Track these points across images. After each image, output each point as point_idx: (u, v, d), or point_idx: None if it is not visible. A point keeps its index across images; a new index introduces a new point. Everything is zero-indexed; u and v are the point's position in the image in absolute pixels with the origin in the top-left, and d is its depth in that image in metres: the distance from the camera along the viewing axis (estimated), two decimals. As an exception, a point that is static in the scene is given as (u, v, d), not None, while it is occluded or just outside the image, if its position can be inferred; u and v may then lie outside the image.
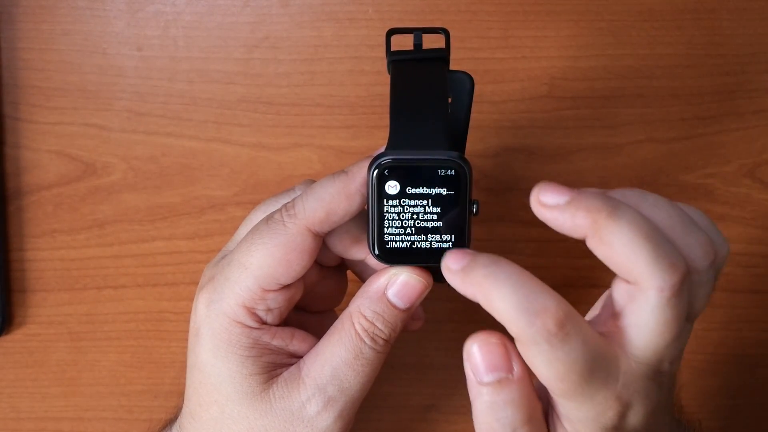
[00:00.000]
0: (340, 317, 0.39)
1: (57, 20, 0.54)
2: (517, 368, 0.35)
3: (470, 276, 0.34)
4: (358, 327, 0.38)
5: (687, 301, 0.34)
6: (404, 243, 0.37)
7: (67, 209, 0.55)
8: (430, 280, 0.39)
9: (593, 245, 0.33)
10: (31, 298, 0.55)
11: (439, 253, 0.37)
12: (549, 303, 0.33)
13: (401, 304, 0.38)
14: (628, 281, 0.34)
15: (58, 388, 0.56)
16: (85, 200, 0.55)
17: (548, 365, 0.33)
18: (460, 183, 0.36)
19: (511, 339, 0.34)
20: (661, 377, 0.35)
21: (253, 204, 0.53)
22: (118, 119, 0.54)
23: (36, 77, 0.54)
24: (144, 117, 0.54)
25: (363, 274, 0.43)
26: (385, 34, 0.41)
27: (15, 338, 0.55)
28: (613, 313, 0.35)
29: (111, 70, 0.54)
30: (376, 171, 0.36)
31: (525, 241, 0.55)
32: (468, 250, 0.36)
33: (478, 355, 0.36)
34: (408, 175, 0.36)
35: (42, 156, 0.54)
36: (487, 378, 0.36)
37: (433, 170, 0.36)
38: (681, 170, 0.54)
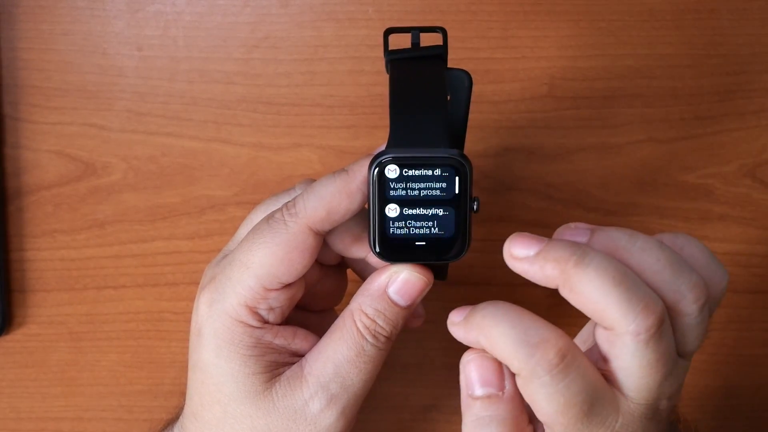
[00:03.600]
0: (342, 315, 0.39)
1: (57, 20, 0.54)
2: (509, 387, 0.36)
3: (471, 322, 0.35)
4: (359, 324, 0.38)
5: (669, 340, 0.34)
6: (405, 241, 0.37)
7: (67, 209, 0.55)
8: (431, 277, 0.39)
9: (565, 294, 0.34)
10: (31, 298, 0.55)
11: (440, 250, 0.37)
12: (548, 335, 0.33)
13: (402, 301, 0.39)
14: (605, 327, 0.34)
15: (58, 388, 0.56)
16: (85, 200, 0.55)
17: (549, 399, 0.33)
18: (460, 180, 0.36)
19: None
20: (660, 415, 0.35)
21: (253, 204, 0.53)
22: (118, 119, 0.54)
23: (36, 77, 0.54)
24: (144, 117, 0.54)
25: (363, 273, 0.43)
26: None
27: (15, 338, 0.55)
28: (602, 357, 0.35)
29: (111, 70, 0.54)
30: (377, 169, 0.36)
31: (525, 241, 0.55)
32: (467, 307, 0.37)
33: (473, 367, 0.37)
34: (408, 173, 0.36)
35: (42, 156, 0.54)
36: (479, 392, 0.36)
37: (434, 168, 0.36)
38: (681, 170, 0.54)
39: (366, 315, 0.38)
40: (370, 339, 0.38)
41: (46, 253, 0.55)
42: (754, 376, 0.56)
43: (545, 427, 0.35)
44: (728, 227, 0.55)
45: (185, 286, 0.55)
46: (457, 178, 0.36)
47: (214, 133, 0.54)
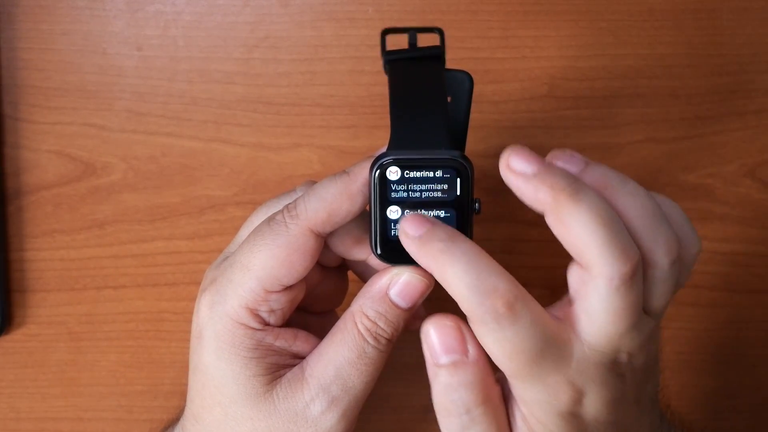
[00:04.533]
0: (343, 317, 0.39)
1: (57, 20, 0.54)
2: (472, 351, 0.36)
3: (426, 247, 0.35)
4: (360, 327, 0.38)
5: (638, 292, 0.34)
6: None
7: (66, 209, 0.55)
8: (432, 279, 0.39)
9: (551, 222, 0.34)
10: (31, 298, 0.55)
11: None
12: (500, 284, 0.33)
13: (403, 303, 0.39)
14: (581, 265, 0.34)
15: (58, 388, 0.56)
16: (85, 200, 0.55)
17: (497, 344, 0.34)
18: (462, 182, 0.36)
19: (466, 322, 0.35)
20: (620, 368, 0.35)
21: (253, 204, 0.53)
22: (118, 119, 0.54)
23: (36, 77, 0.54)
24: (144, 117, 0.54)
25: (364, 275, 0.43)
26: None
27: (15, 338, 0.55)
28: (568, 299, 0.35)
29: (111, 70, 0.54)
30: (378, 171, 0.36)
31: (525, 241, 0.55)
32: (428, 218, 0.36)
33: (434, 337, 0.37)
34: (410, 175, 0.36)
35: (42, 156, 0.54)
36: (443, 360, 0.36)
37: (435, 169, 0.36)
38: (681, 170, 0.54)
39: (367, 317, 0.38)
40: (371, 341, 0.38)
41: (46, 253, 0.55)
42: (754, 376, 0.56)
43: (501, 369, 0.35)
44: (728, 227, 0.55)
45: (185, 286, 0.55)
46: (458, 179, 0.36)
47: (214, 133, 0.54)
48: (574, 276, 0.35)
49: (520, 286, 0.34)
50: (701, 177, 0.55)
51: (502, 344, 0.34)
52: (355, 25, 0.54)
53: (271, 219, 0.39)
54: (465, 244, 0.34)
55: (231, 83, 0.54)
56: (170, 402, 0.56)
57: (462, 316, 0.36)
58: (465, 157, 0.36)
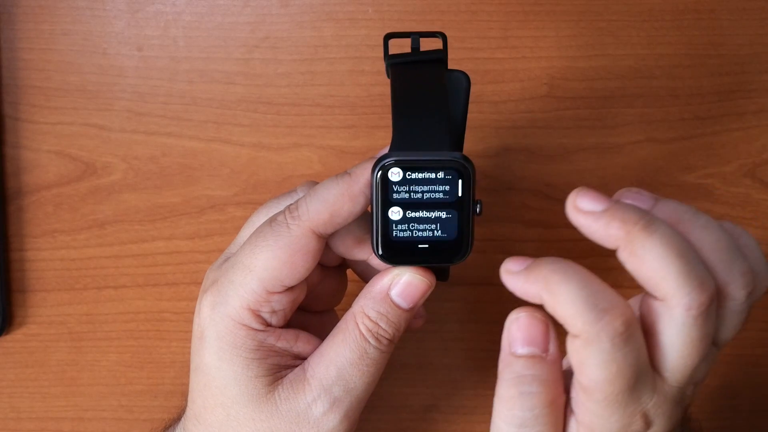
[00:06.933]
0: (344, 318, 0.39)
1: (57, 20, 0.54)
2: (552, 350, 0.36)
3: (534, 274, 0.34)
4: (362, 327, 0.38)
5: (713, 323, 0.34)
6: (408, 244, 0.37)
7: (67, 209, 0.55)
8: (433, 279, 0.39)
9: (624, 257, 0.33)
10: (31, 298, 0.55)
11: (443, 253, 0.37)
12: (617, 302, 0.33)
13: (405, 304, 0.39)
14: (656, 297, 0.34)
15: (58, 388, 0.56)
16: (85, 200, 0.55)
17: (602, 365, 0.33)
18: (463, 183, 0.36)
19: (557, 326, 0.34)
20: (685, 400, 0.35)
21: (253, 204, 0.53)
22: (118, 119, 0.54)
23: (36, 77, 0.54)
24: (144, 117, 0.54)
25: (365, 274, 0.43)
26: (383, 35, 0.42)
27: (15, 338, 0.55)
28: (644, 331, 0.35)
29: (111, 70, 0.54)
30: (380, 172, 0.36)
31: (525, 241, 0.55)
32: (523, 258, 0.36)
33: (518, 326, 0.36)
34: (412, 176, 0.36)
35: (42, 156, 0.54)
36: (522, 350, 0.36)
37: (437, 170, 0.36)
38: (681, 170, 0.54)
39: (368, 318, 0.38)
40: (372, 342, 0.38)
41: (46, 253, 0.55)
42: (754, 376, 0.56)
43: (584, 393, 0.35)
44: (728, 227, 0.55)
45: (185, 286, 0.55)
46: (460, 180, 0.36)
47: (214, 133, 0.54)
48: (649, 309, 0.34)
49: (633, 309, 0.34)
50: (701, 177, 0.55)
51: (608, 366, 0.33)
52: (355, 26, 0.54)
53: (272, 220, 0.39)
54: (575, 265, 0.34)
55: (231, 83, 0.54)
56: (171, 402, 0.56)
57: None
58: (467, 159, 0.36)
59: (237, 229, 0.44)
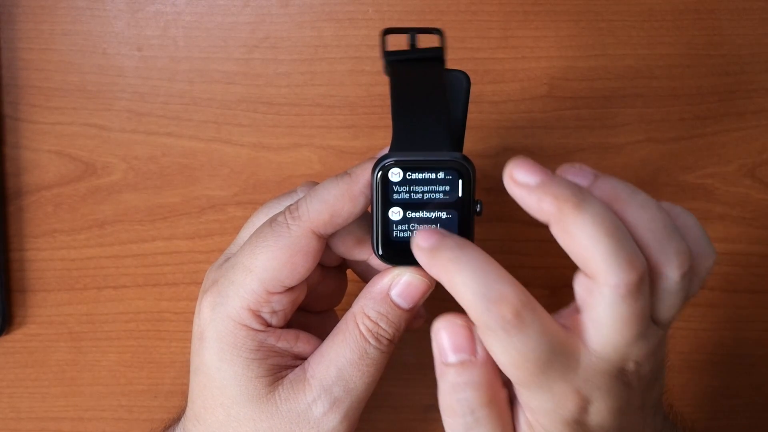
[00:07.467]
0: (344, 318, 0.39)
1: (57, 20, 0.53)
2: (480, 352, 0.36)
3: (436, 258, 0.35)
4: (362, 327, 0.38)
5: (646, 301, 0.34)
6: (408, 244, 0.37)
7: (67, 209, 0.55)
8: (433, 280, 0.39)
9: (556, 232, 0.34)
10: (31, 298, 0.55)
11: None
12: (507, 291, 0.33)
13: (405, 304, 0.39)
14: (586, 275, 0.34)
15: (58, 388, 0.56)
16: (85, 200, 0.55)
17: (504, 352, 0.34)
18: (463, 183, 0.36)
19: None
20: (627, 377, 0.35)
21: (253, 204, 0.53)
22: (118, 119, 0.54)
23: (36, 77, 0.54)
24: (144, 117, 0.54)
25: (365, 274, 0.43)
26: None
27: (15, 338, 0.55)
28: (575, 307, 0.35)
29: (111, 70, 0.54)
30: (381, 172, 0.36)
31: (525, 241, 0.55)
32: (439, 230, 0.36)
33: (444, 335, 0.36)
34: (412, 176, 0.36)
35: (42, 156, 0.54)
36: (452, 359, 0.36)
37: (437, 171, 0.36)
38: (681, 170, 0.54)
39: (369, 318, 0.38)
40: (372, 342, 0.38)
41: (46, 253, 0.55)
42: (754, 376, 0.56)
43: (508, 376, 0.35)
44: (728, 227, 0.55)
45: (185, 286, 0.55)
46: (460, 181, 0.36)
47: (214, 133, 0.54)
48: (580, 286, 0.34)
49: (529, 294, 0.34)
50: (701, 177, 0.55)
51: (508, 352, 0.33)
52: (355, 26, 0.54)
53: (272, 220, 0.39)
54: (473, 253, 0.34)
55: (231, 83, 0.54)
56: (170, 402, 0.56)
57: None
58: (467, 159, 0.36)
59: (237, 229, 0.44)
